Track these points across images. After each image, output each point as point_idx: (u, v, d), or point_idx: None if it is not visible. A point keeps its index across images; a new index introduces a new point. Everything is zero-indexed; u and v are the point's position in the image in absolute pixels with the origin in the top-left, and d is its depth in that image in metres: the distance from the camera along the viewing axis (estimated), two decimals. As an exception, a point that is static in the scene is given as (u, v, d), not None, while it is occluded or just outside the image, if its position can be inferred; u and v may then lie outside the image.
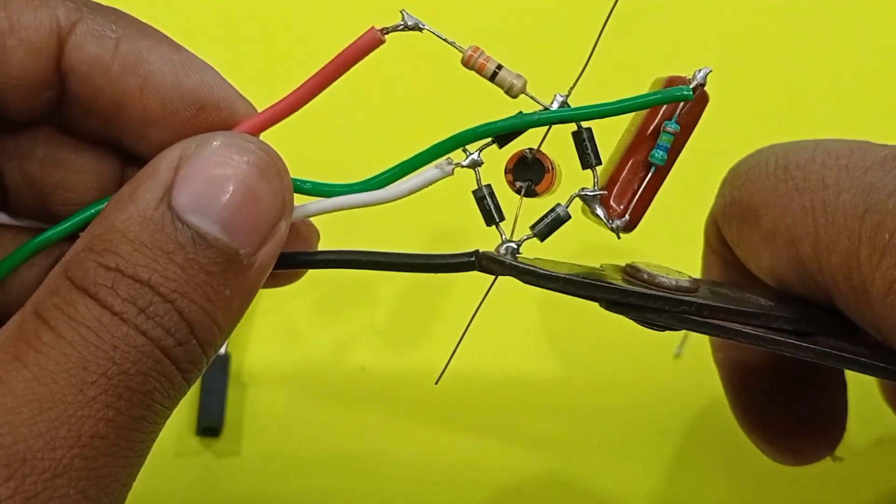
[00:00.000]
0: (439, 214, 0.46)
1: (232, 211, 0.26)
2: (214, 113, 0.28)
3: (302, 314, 0.49)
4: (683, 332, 0.49)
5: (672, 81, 0.29)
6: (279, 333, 0.48)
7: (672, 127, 0.29)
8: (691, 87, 0.28)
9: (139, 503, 0.46)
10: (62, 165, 0.30)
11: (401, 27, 0.28)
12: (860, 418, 0.42)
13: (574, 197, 0.29)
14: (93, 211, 0.29)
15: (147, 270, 0.25)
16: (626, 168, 0.29)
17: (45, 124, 0.30)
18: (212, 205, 0.25)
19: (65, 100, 0.28)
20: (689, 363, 0.49)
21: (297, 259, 0.29)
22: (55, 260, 0.30)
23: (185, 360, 0.25)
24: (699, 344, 0.49)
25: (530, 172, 0.29)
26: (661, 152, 0.29)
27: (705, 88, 0.29)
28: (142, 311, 0.25)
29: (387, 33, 0.28)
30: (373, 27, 0.28)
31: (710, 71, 0.29)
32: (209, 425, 0.46)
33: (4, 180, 0.30)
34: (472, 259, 0.28)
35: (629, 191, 0.29)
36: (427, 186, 0.28)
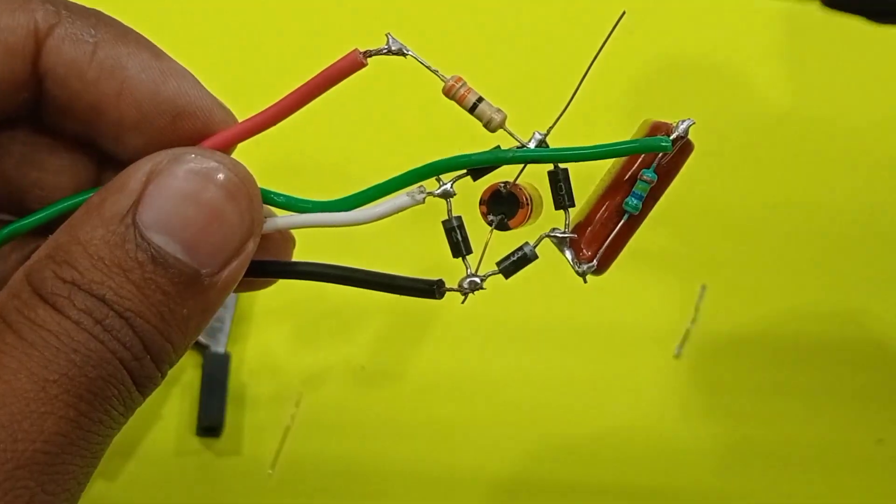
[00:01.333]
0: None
1: (195, 231, 0.26)
2: (191, 121, 0.28)
3: (302, 314, 0.49)
4: (684, 331, 0.49)
5: (656, 128, 0.28)
6: (279, 333, 0.48)
7: (649, 175, 0.28)
8: (671, 138, 0.28)
9: (140, 502, 0.46)
10: (38, 165, 0.30)
11: (384, 51, 0.28)
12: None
13: (543, 237, 0.28)
14: (64, 205, 0.29)
15: (102, 287, 0.25)
16: (600, 212, 0.29)
17: (22, 124, 0.30)
18: (176, 224, 0.25)
19: (42, 101, 0.28)
20: (689, 363, 0.49)
21: (267, 268, 0.29)
22: (30, 253, 0.31)
23: (140, 375, 0.26)
24: (699, 344, 0.49)
25: (504, 206, 0.28)
26: (635, 200, 0.28)
27: (689, 139, 0.28)
28: (98, 322, 0.25)
29: (370, 56, 0.28)
30: (356, 49, 0.28)
31: (693, 123, 0.28)
32: (209, 425, 0.46)
33: None
34: (433, 287, 0.28)
35: (600, 236, 0.29)
36: (397, 213, 0.28)
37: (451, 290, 0.29)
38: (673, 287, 0.50)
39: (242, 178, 0.27)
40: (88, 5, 0.29)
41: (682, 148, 0.28)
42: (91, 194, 0.28)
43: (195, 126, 0.28)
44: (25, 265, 0.26)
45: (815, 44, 0.55)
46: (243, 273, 0.27)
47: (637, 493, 0.47)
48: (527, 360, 0.48)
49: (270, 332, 0.48)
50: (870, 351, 0.49)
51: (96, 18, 0.28)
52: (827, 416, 0.48)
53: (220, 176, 0.26)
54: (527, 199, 0.29)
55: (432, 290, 0.28)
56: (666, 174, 0.28)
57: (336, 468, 0.46)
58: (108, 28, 0.28)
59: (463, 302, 0.29)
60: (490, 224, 0.29)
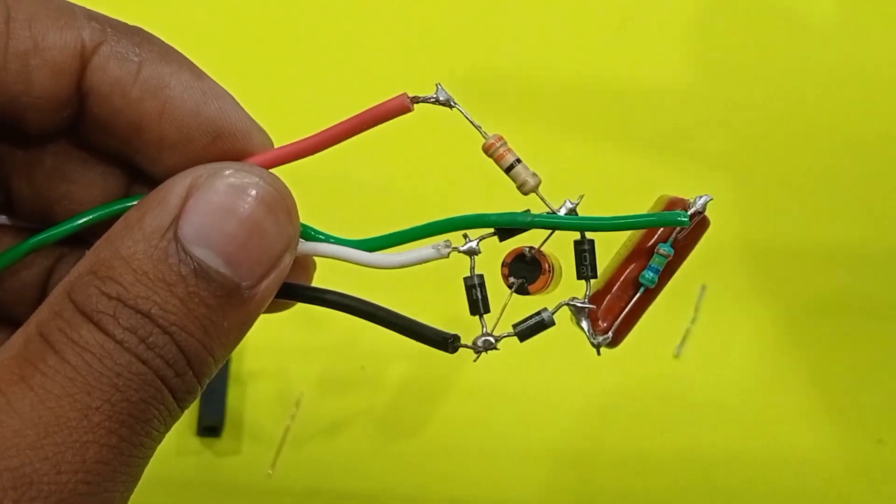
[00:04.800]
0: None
1: (237, 245, 0.26)
2: (230, 142, 0.28)
3: (302, 314, 0.48)
4: (684, 331, 0.49)
5: (673, 204, 0.28)
6: (279, 333, 0.48)
7: (665, 250, 0.28)
8: (689, 213, 0.28)
9: (140, 502, 0.46)
10: (69, 178, 0.30)
11: (431, 100, 0.28)
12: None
13: (562, 305, 0.29)
14: (92, 216, 0.29)
15: (147, 302, 0.25)
16: (617, 284, 0.29)
17: (58, 137, 0.29)
18: (217, 237, 0.26)
19: (82, 118, 0.28)
20: (689, 363, 0.49)
21: (295, 291, 0.29)
22: (55, 261, 0.31)
23: (181, 391, 0.26)
24: (699, 344, 0.49)
25: (526, 270, 0.29)
26: (651, 273, 0.28)
27: (705, 214, 0.28)
28: (142, 340, 0.25)
29: (417, 102, 0.28)
30: (404, 94, 0.28)
31: (711, 199, 0.28)
32: (209, 425, 0.46)
33: (11, 186, 0.30)
34: (448, 341, 0.28)
35: (616, 308, 0.29)
36: (420, 264, 0.28)
37: (464, 346, 0.29)
38: (673, 287, 0.50)
39: (280, 191, 0.27)
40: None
41: (699, 223, 0.28)
42: (120, 205, 0.28)
43: (234, 147, 0.28)
44: (66, 281, 0.26)
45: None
46: (279, 287, 0.27)
47: (636, 494, 0.47)
48: (525, 363, 0.48)
49: (270, 332, 0.48)
50: (870, 350, 0.49)
51: (140, 37, 0.28)
52: (827, 416, 0.48)
53: (260, 189, 0.26)
54: (549, 267, 0.29)
55: (446, 343, 0.28)
56: (682, 249, 0.28)
57: (336, 468, 0.46)
58: (151, 46, 0.28)
59: (475, 360, 0.29)
60: (510, 287, 0.29)
